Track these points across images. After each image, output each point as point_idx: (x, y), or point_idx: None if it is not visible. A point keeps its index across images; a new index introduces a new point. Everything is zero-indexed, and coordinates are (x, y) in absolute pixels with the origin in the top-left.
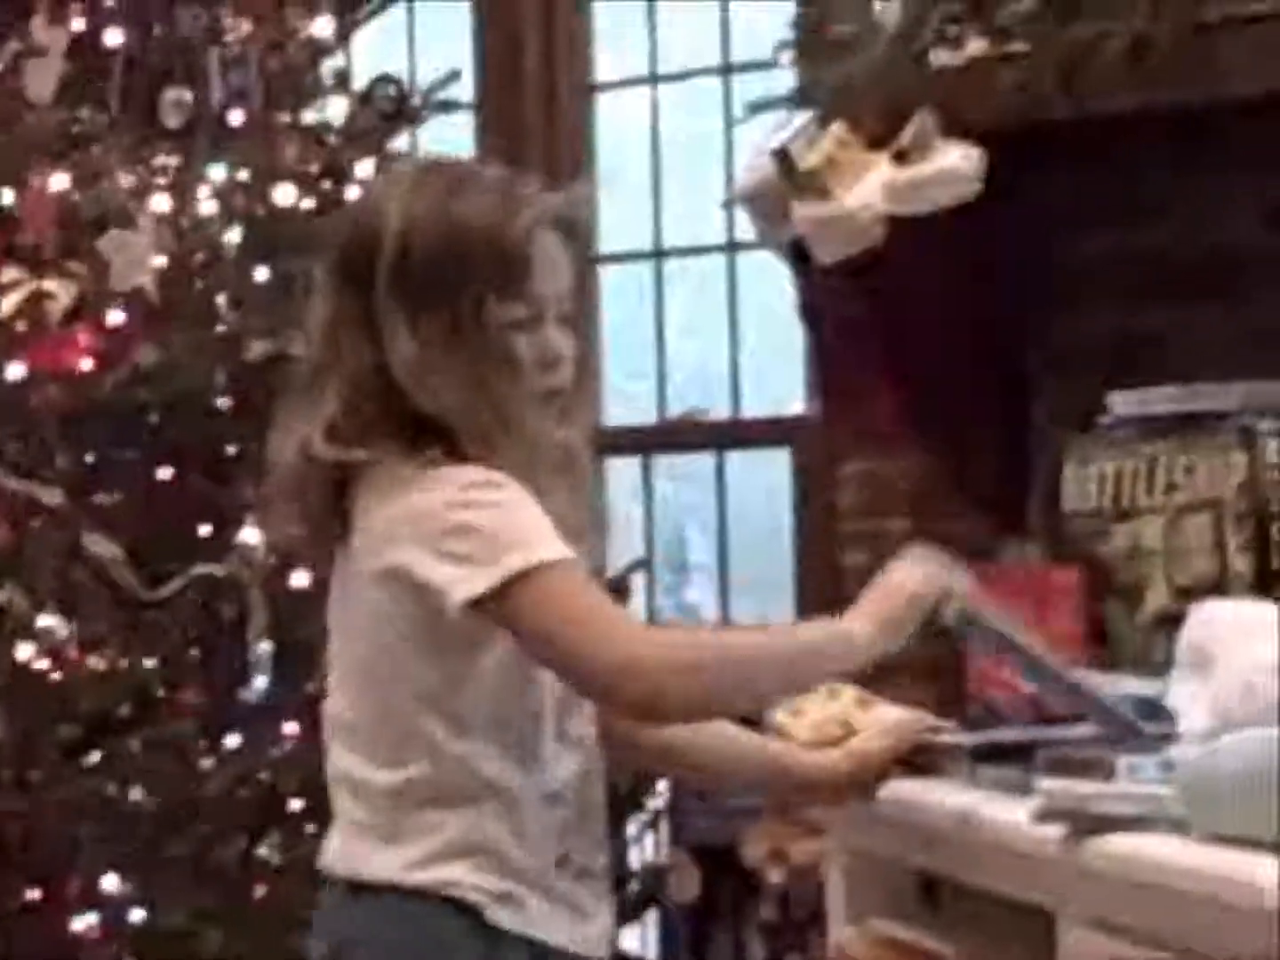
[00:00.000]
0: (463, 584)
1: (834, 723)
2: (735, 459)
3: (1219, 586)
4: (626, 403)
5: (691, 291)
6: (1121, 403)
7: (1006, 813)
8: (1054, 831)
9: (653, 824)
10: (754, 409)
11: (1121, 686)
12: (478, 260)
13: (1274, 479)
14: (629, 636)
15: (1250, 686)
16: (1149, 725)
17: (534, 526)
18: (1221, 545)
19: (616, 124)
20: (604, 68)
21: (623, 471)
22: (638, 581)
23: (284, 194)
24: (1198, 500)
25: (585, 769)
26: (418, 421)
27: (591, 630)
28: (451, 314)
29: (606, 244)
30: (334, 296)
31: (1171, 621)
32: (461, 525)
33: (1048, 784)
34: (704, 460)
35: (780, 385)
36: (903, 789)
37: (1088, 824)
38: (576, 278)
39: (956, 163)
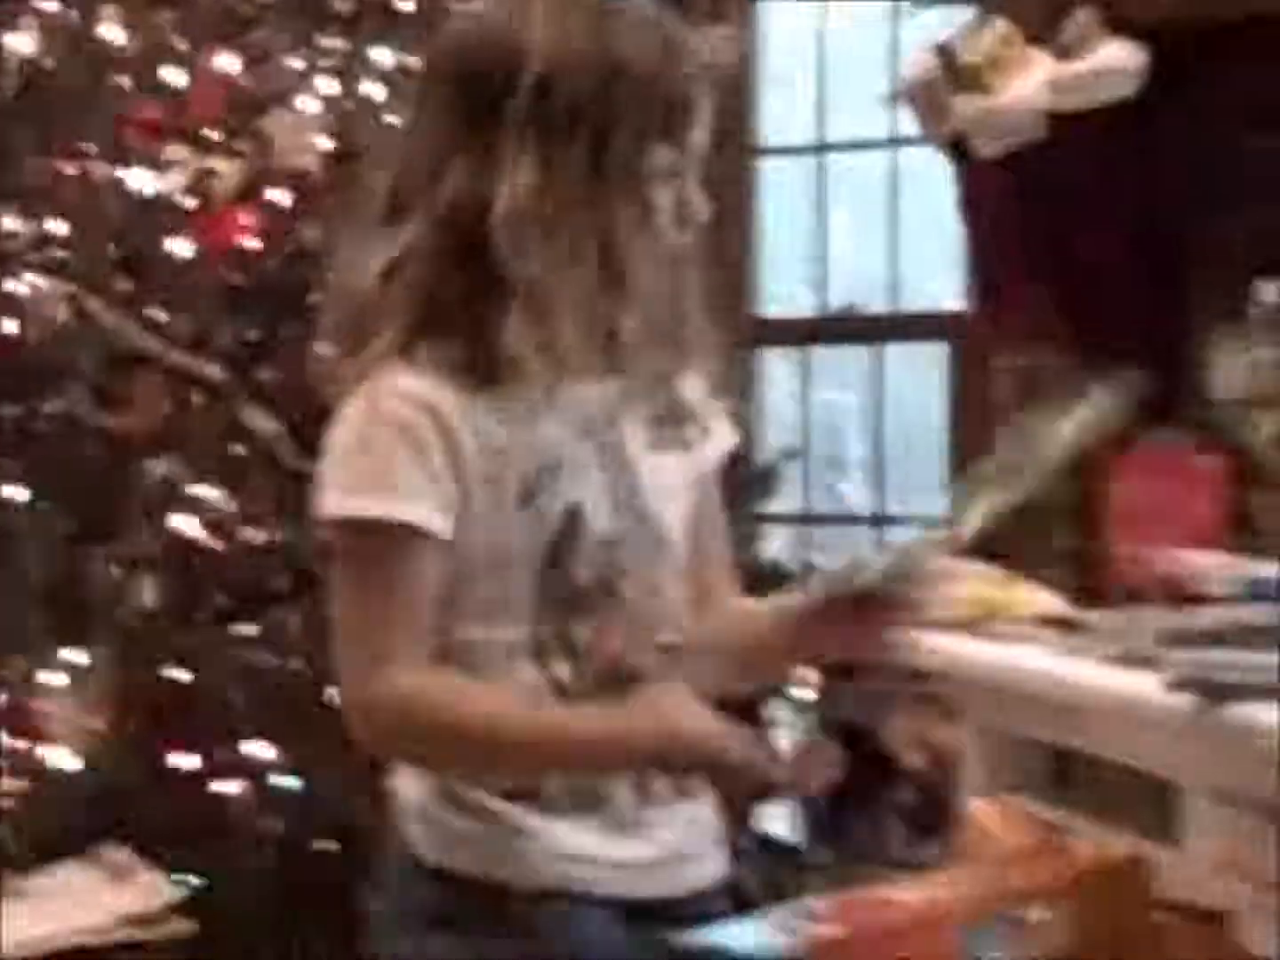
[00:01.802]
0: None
1: (977, 605)
2: (893, 355)
3: None
4: (785, 299)
5: (853, 188)
6: (1270, 291)
7: (1136, 684)
8: (1183, 702)
9: (798, 709)
10: (912, 305)
11: (1263, 572)
12: (639, 97)
13: None
14: (382, 675)
15: None
16: None
17: (385, 465)
18: None
19: (783, 20)
20: None
21: (780, 364)
22: (792, 472)
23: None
24: None
25: None
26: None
27: (361, 641)
28: (598, 150)
29: (771, 138)
30: (446, 115)
31: None
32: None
33: (1177, 654)
34: (861, 357)
35: (938, 281)
36: (1036, 661)
37: (1217, 693)
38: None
39: (1117, 59)
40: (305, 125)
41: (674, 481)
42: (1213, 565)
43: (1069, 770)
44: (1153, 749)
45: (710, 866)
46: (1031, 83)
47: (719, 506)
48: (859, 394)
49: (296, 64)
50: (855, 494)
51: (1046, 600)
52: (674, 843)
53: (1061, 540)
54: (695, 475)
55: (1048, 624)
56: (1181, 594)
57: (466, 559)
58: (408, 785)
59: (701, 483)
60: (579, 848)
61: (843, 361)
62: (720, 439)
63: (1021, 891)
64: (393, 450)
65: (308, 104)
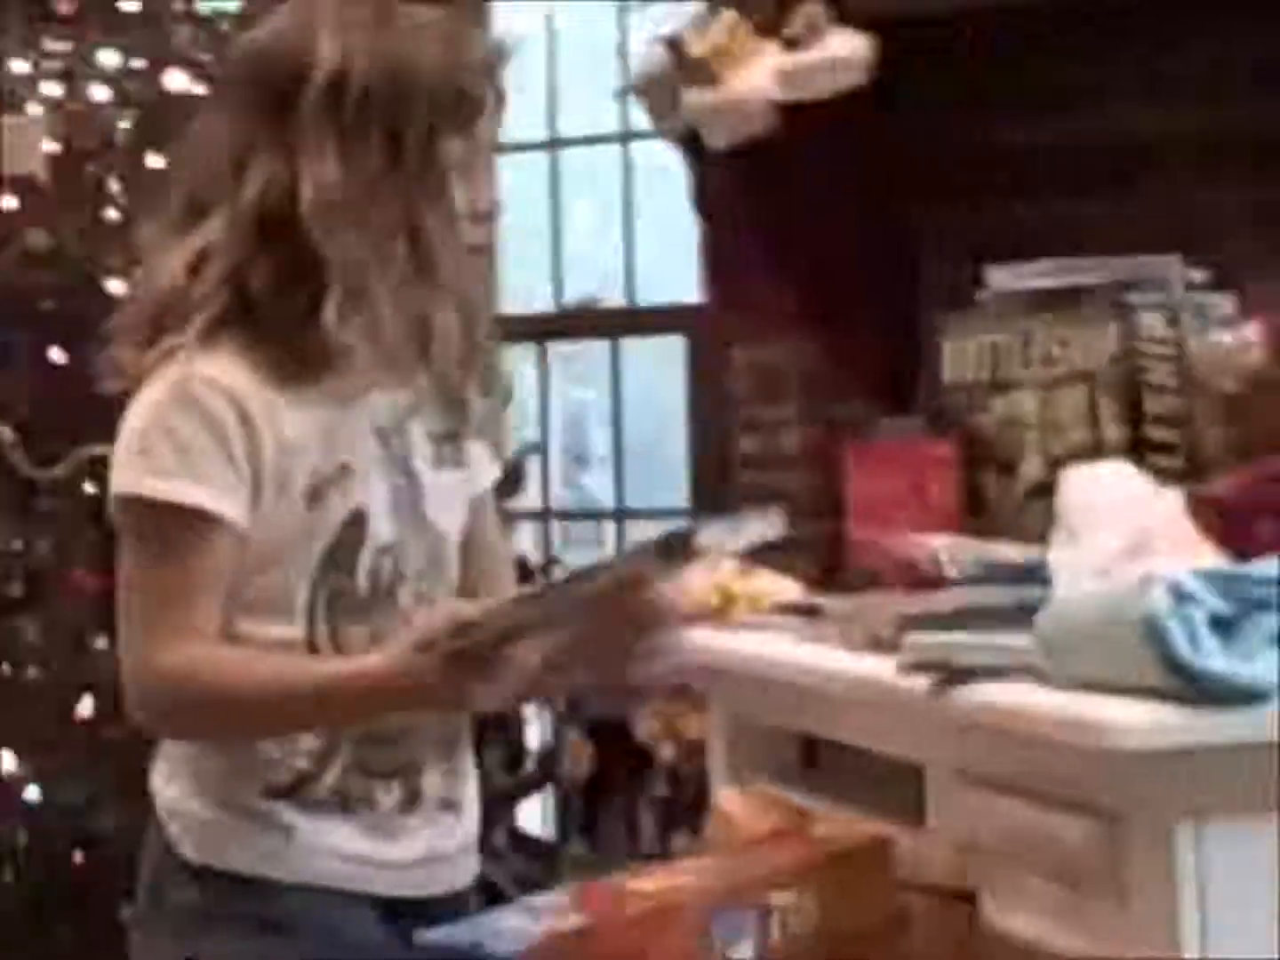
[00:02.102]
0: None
1: (716, 594)
2: (631, 349)
3: (1092, 456)
4: (523, 293)
5: (588, 183)
6: (998, 277)
7: (875, 669)
8: (921, 684)
9: (547, 703)
10: (649, 298)
11: (998, 554)
12: (431, 90)
13: (1146, 351)
14: (159, 651)
15: (1119, 551)
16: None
17: (183, 446)
18: (1095, 416)
19: (512, 18)
20: None
21: (519, 360)
22: (533, 468)
23: (176, 80)
24: (1072, 372)
25: None
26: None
27: (141, 619)
28: (393, 144)
29: (504, 134)
30: (245, 117)
31: (1046, 491)
32: (123, 426)
33: (914, 637)
34: (600, 352)
35: (675, 275)
36: (778, 649)
37: (954, 675)
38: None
39: (845, 49)
40: (31, 130)
41: (453, 497)
42: (948, 548)
43: (816, 756)
44: (894, 732)
45: (467, 867)
46: (759, 74)
47: (495, 520)
48: (598, 389)
49: (21, 67)
50: (598, 488)
51: (786, 587)
52: (434, 846)
53: (801, 529)
54: (471, 493)
55: (788, 611)
56: (918, 578)
57: (249, 552)
58: (170, 786)
59: (477, 500)
60: (342, 846)
61: (582, 356)
62: (491, 466)
63: (765, 877)
64: (194, 435)
65: (35, 108)
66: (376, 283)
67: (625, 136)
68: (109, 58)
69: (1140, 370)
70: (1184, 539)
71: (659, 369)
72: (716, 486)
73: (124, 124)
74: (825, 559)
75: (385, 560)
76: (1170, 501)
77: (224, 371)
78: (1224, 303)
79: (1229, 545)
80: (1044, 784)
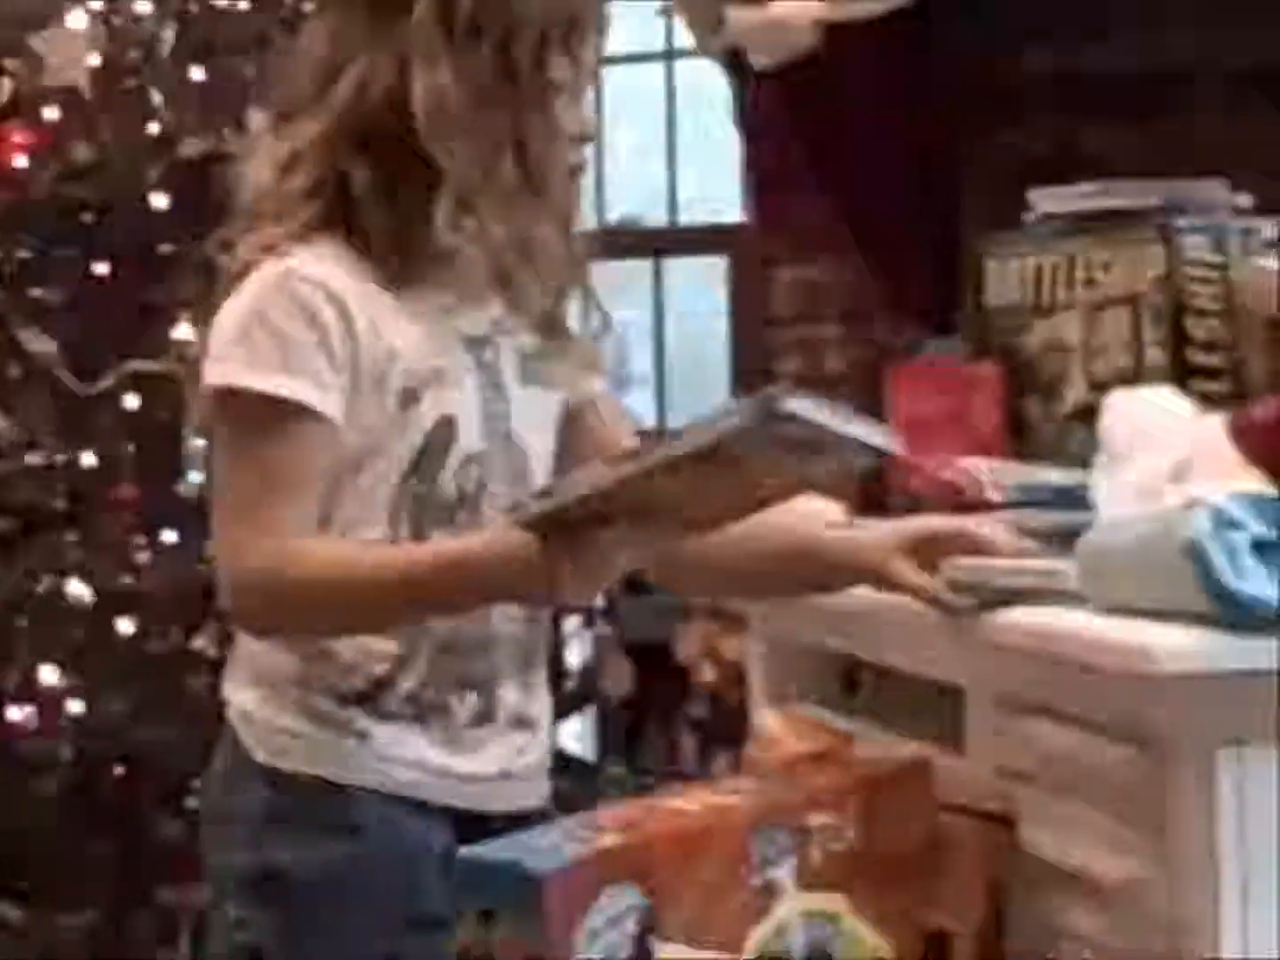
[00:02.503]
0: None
1: None
2: (673, 268)
3: (1135, 380)
4: None
5: (630, 102)
6: (1043, 200)
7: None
8: (963, 606)
9: (588, 622)
10: (692, 218)
11: (1040, 477)
12: (544, 6)
13: (1190, 274)
14: (242, 551)
15: (1161, 476)
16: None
17: (277, 340)
18: (1138, 339)
19: None
20: None
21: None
22: None
23: None
24: (1115, 295)
25: None
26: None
27: (238, 516)
28: (503, 58)
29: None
30: (346, 24)
31: (1088, 415)
32: (215, 323)
33: (952, 560)
34: (642, 272)
35: (718, 195)
36: None
37: (991, 597)
38: None
39: None
40: (75, 42)
41: (541, 416)
42: (990, 471)
43: (856, 678)
44: (935, 655)
45: (539, 787)
46: None
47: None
48: (640, 308)
49: None
50: (639, 407)
51: (827, 509)
52: (508, 763)
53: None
54: (559, 413)
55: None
56: (960, 501)
57: (341, 451)
58: (242, 691)
59: (578, 407)
60: (416, 756)
61: (623, 275)
62: (589, 379)
63: (805, 799)
64: (295, 329)
65: (77, 20)
66: (485, 193)
67: (669, 55)
68: None
69: (1184, 294)
70: (1226, 464)
71: (700, 289)
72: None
73: (167, 36)
74: (867, 482)
75: (472, 469)
76: (1213, 426)
77: (324, 269)
78: (1270, 227)
79: (1272, 471)
80: (1083, 709)
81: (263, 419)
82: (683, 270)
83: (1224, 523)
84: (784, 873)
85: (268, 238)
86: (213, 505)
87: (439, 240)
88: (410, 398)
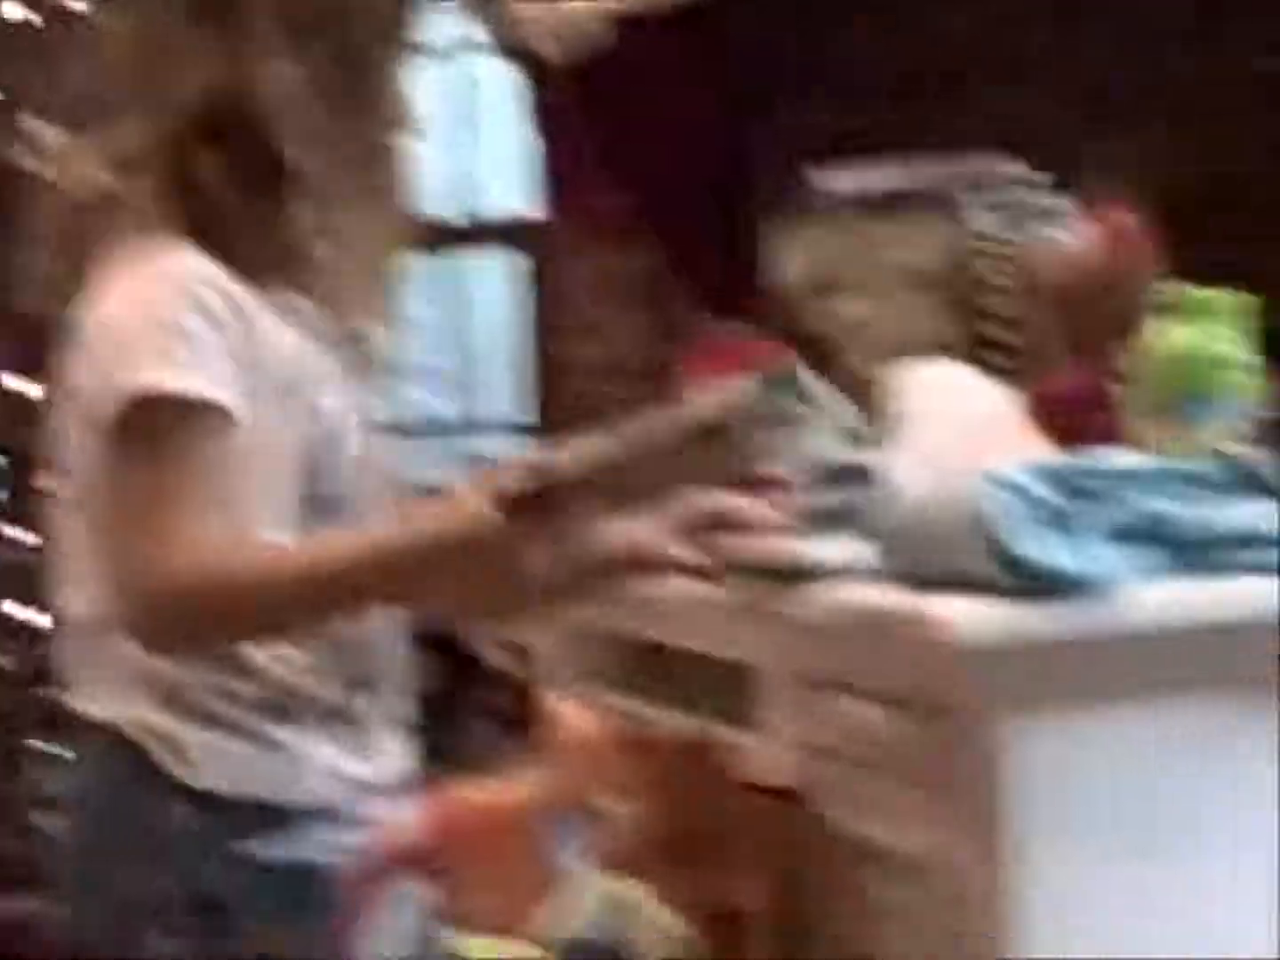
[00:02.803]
0: (97, 408)
1: None
2: (471, 262)
3: (925, 356)
4: None
5: (428, 97)
6: (829, 181)
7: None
8: (752, 586)
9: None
10: (490, 213)
11: (829, 451)
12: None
13: (979, 250)
14: (164, 549)
15: (950, 448)
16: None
17: (190, 343)
18: (928, 316)
19: None
20: None
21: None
22: None
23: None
24: (904, 273)
25: None
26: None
27: (147, 525)
28: (342, 51)
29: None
30: (162, 21)
31: (878, 388)
32: (117, 324)
33: (744, 540)
34: (439, 266)
35: (516, 189)
36: None
37: (786, 576)
38: None
39: None
40: None
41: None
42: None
43: (646, 660)
44: (725, 635)
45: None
46: None
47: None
48: (438, 303)
49: None
50: (440, 402)
51: None
52: (401, 768)
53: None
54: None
55: None
56: (753, 480)
57: (244, 452)
58: (132, 706)
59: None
60: (331, 764)
61: (421, 270)
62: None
63: (599, 784)
64: (201, 330)
65: None
66: (337, 188)
67: (466, 49)
68: None
69: (973, 269)
70: (1016, 434)
71: (499, 281)
72: (554, 394)
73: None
74: None
75: (352, 470)
76: (1002, 398)
77: (209, 266)
78: (1057, 202)
79: (1062, 440)
80: (874, 681)
81: (184, 423)
82: (482, 264)
83: (1013, 491)
84: (576, 856)
85: (135, 240)
86: (106, 517)
87: (298, 241)
88: (297, 401)
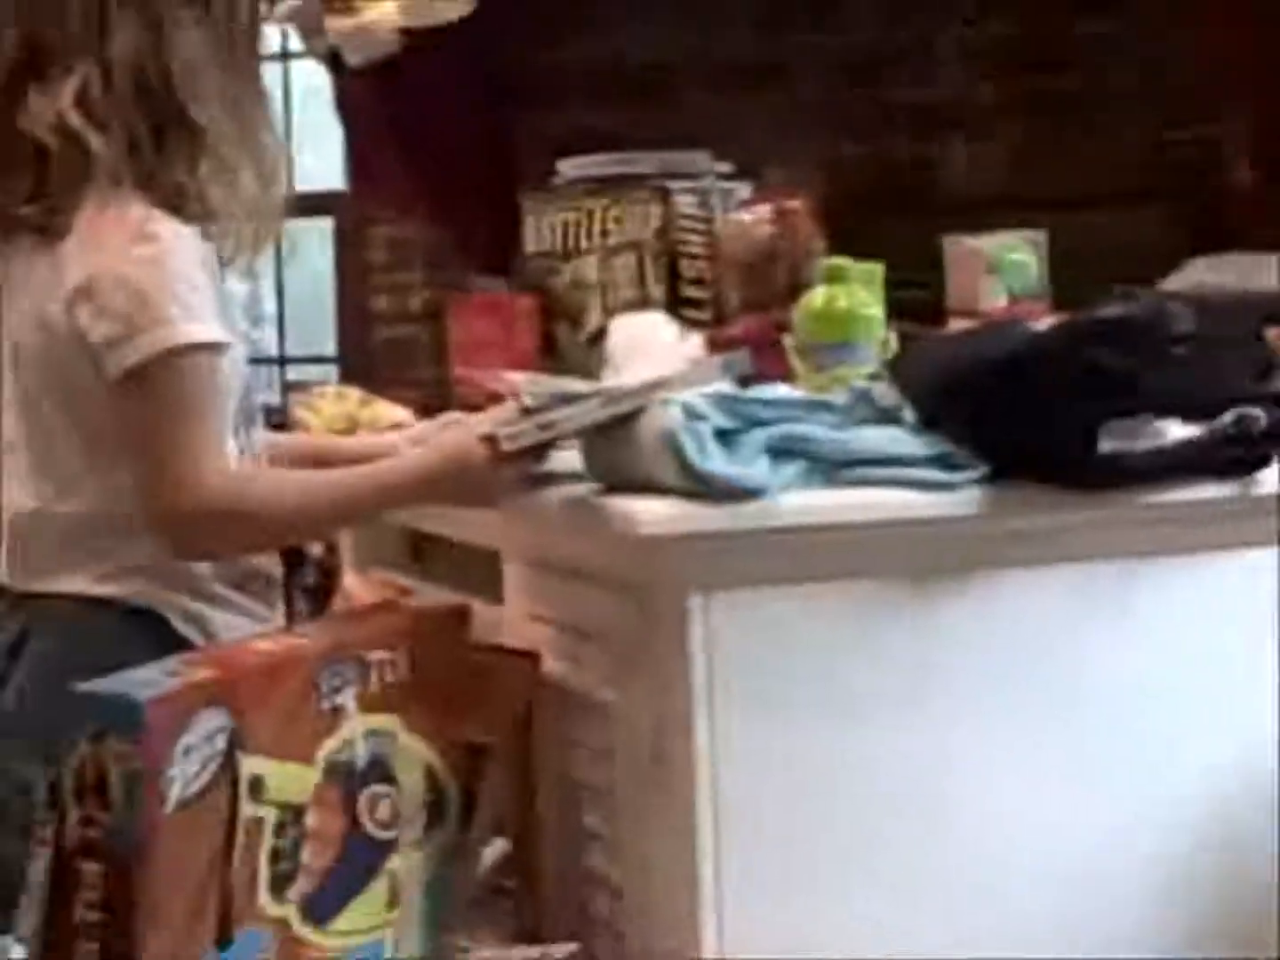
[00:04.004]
0: (113, 353)
1: (342, 419)
2: (291, 228)
3: (639, 309)
4: None
5: None
6: (568, 166)
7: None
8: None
9: None
10: (303, 185)
11: (563, 385)
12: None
13: (682, 226)
14: (197, 477)
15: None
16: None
17: (196, 296)
18: (642, 278)
19: None
20: None
21: None
22: None
23: None
24: (625, 243)
25: None
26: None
27: (182, 451)
28: (230, 23)
29: None
30: (85, 44)
31: (603, 338)
32: (124, 279)
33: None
34: None
35: (325, 167)
36: None
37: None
38: None
39: None
40: None
41: None
42: (528, 382)
43: (420, 547)
44: (479, 527)
45: None
46: (388, 5)
47: None
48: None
49: None
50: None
51: (398, 414)
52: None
53: (420, 370)
54: None
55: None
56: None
57: None
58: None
59: None
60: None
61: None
62: None
63: (366, 637)
64: (202, 282)
65: None
66: (228, 142)
67: (284, 56)
68: None
69: (677, 241)
70: (701, 370)
71: (313, 244)
72: (358, 338)
73: None
74: (435, 393)
75: (250, 392)
76: (694, 342)
77: (185, 226)
78: (743, 189)
79: (734, 379)
80: (587, 565)
81: (196, 365)
82: (297, 230)
83: (693, 415)
84: (348, 698)
85: (102, 190)
86: (152, 441)
87: (201, 188)
88: (233, 330)
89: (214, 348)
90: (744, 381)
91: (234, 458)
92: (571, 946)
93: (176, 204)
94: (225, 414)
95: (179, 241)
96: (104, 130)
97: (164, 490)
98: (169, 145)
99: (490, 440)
